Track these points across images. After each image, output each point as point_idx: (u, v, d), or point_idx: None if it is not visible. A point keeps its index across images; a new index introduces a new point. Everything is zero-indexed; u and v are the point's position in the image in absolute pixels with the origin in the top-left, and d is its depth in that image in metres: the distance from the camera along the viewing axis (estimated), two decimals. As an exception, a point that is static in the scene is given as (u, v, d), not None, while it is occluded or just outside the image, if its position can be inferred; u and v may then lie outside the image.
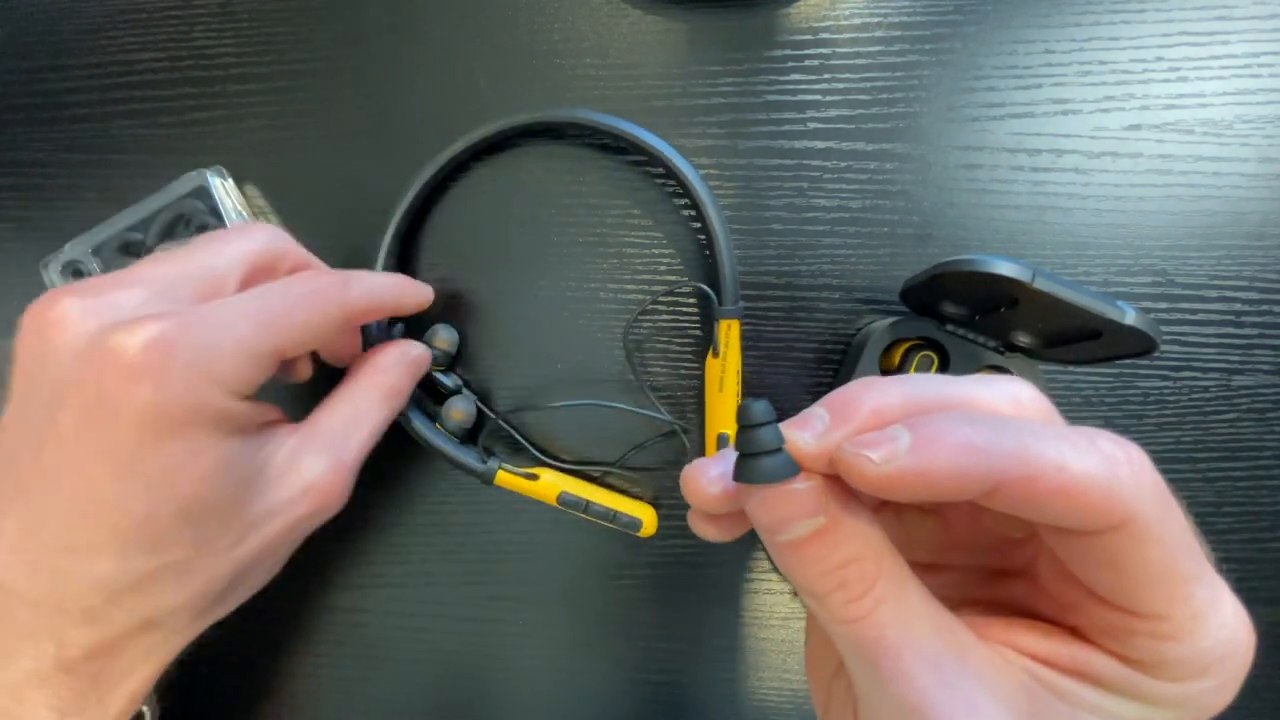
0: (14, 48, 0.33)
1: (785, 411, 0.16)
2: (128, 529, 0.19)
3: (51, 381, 0.19)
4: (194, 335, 0.19)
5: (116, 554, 0.19)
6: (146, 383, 0.18)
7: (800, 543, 0.14)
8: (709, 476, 0.15)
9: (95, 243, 0.31)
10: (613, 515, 0.30)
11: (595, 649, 0.32)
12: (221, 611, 0.23)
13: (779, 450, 0.13)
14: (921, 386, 0.14)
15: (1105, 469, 0.12)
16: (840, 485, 0.14)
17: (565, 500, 0.30)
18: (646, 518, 0.30)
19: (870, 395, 0.14)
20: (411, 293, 0.27)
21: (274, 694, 0.33)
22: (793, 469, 0.13)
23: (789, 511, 0.14)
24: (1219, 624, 0.13)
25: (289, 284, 0.23)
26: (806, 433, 0.14)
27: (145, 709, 0.24)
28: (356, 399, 0.25)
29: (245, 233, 0.24)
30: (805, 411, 0.14)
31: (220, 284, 0.22)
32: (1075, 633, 0.14)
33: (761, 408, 0.13)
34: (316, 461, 0.23)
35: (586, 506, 0.30)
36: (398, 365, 0.27)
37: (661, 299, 0.31)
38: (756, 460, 0.13)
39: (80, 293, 0.20)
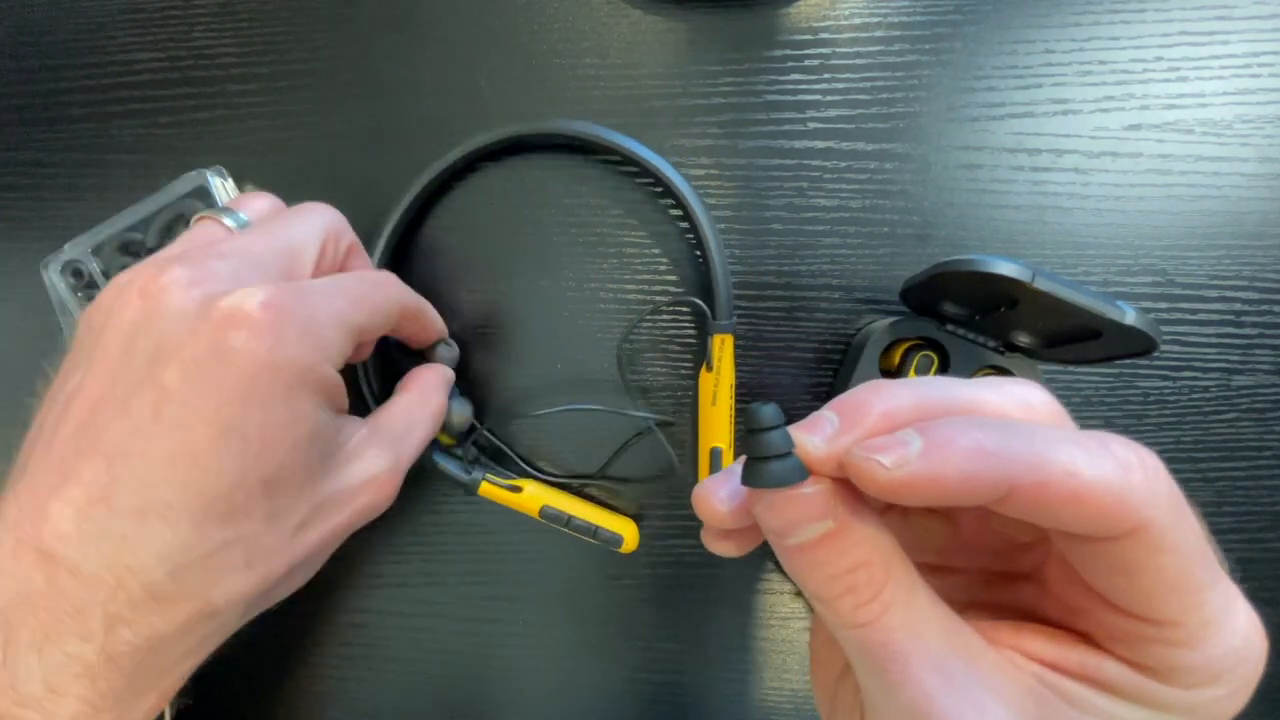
0: (14, 48, 0.33)
1: (784, 412, 0.16)
2: (212, 493, 0.19)
3: (157, 342, 0.19)
4: (303, 301, 0.20)
5: (193, 520, 0.18)
6: (267, 337, 0.19)
7: (808, 547, 0.13)
8: (719, 496, 0.15)
9: (95, 243, 0.31)
10: (594, 530, 0.30)
11: (595, 649, 0.32)
12: (263, 606, 0.22)
13: (788, 454, 0.13)
14: (932, 389, 0.14)
15: (1119, 475, 0.12)
16: (849, 489, 0.14)
17: (547, 514, 0.30)
18: (628, 534, 0.30)
19: (880, 399, 0.14)
20: (436, 319, 0.29)
21: (275, 694, 0.33)
22: (801, 473, 0.13)
23: (797, 515, 0.13)
24: (1232, 631, 0.13)
25: (365, 274, 0.25)
26: (816, 436, 0.13)
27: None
28: (413, 412, 0.26)
29: (315, 211, 0.25)
30: (814, 415, 0.14)
31: (300, 259, 0.23)
32: (1085, 638, 0.14)
33: (770, 411, 0.13)
34: (381, 456, 0.23)
35: (568, 521, 0.30)
36: (443, 388, 0.28)
37: (663, 308, 0.31)
38: (765, 464, 0.13)
39: (184, 261, 0.21)
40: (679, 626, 0.32)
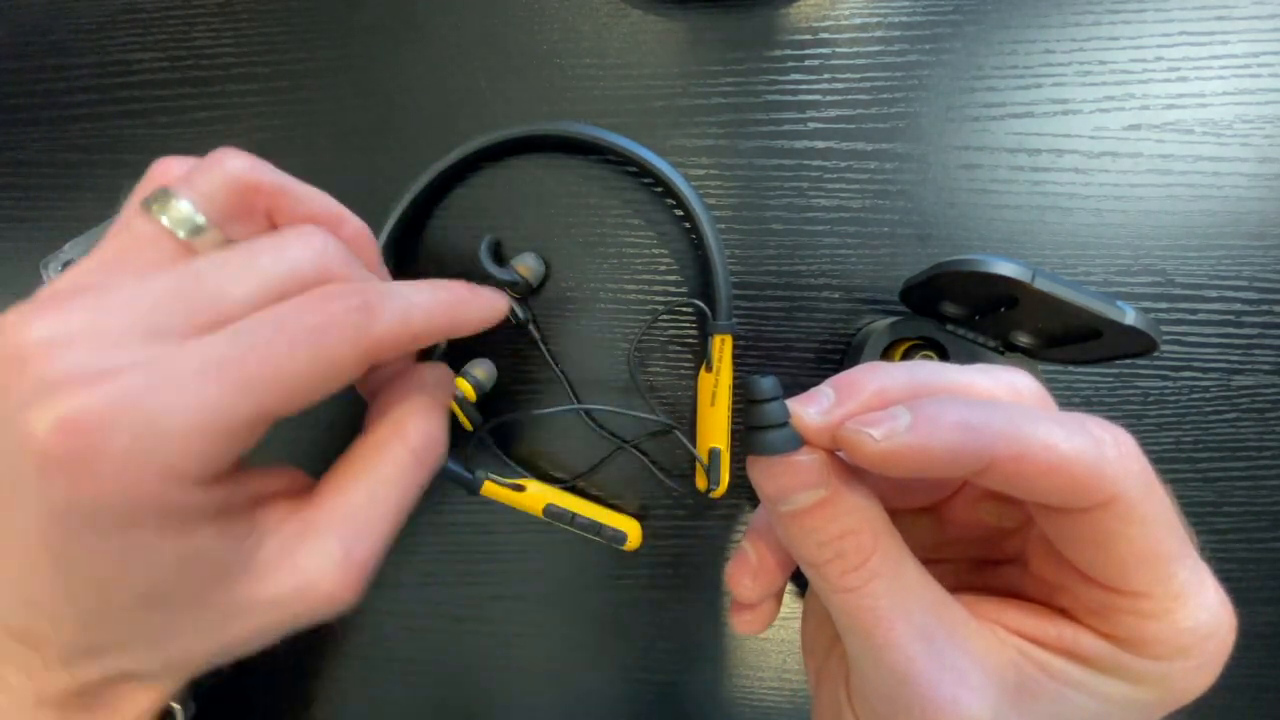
0: (14, 48, 0.33)
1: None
2: (78, 615, 0.16)
3: None
4: (134, 411, 0.14)
5: (75, 628, 0.16)
6: (60, 478, 0.14)
7: (802, 513, 0.14)
8: (746, 583, 0.18)
9: (95, 243, 0.31)
10: (598, 528, 0.30)
11: (594, 649, 0.32)
12: (217, 662, 0.19)
13: (785, 424, 0.14)
14: (925, 372, 0.15)
15: (1093, 449, 0.12)
16: (842, 463, 0.14)
17: (551, 512, 0.30)
18: (632, 532, 0.30)
19: (875, 377, 0.15)
20: (473, 309, 0.20)
21: (275, 694, 0.33)
22: (797, 442, 0.14)
23: (792, 482, 0.14)
24: (1200, 605, 0.13)
25: (287, 315, 0.16)
26: (812, 409, 0.14)
27: (178, 707, 0.23)
28: (379, 467, 0.19)
29: (298, 241, 0.18)
30: (812, 389, 0.15)
31: (229, 316, 0.16)
32: (1063, 613, 0.15)
33: (769, 383, 0.14)
34: (319, 553, 0.17)
35: (572, 519, 0.30)
36: (432, 410, 0.20)
37: (667, 311, 0.31)
38: (763, 433, 0.14)
39: (40, 318, 0.15)
40: (678, 626, 0.32)
